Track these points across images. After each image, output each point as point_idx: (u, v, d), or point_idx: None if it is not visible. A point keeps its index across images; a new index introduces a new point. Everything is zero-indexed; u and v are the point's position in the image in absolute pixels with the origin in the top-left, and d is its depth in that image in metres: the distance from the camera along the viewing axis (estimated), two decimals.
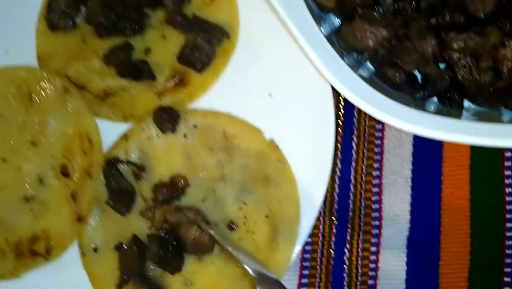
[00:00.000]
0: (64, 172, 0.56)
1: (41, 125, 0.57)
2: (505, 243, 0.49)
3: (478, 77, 0.47)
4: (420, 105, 0.48)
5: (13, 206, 0.56)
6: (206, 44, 0.55)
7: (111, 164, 0.55)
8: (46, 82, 0.57)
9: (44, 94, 0.57)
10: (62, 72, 0.58)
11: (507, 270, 0.49)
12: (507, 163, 0.51)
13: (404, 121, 0.44)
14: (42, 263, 0.54)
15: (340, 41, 0.49)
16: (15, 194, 0.56)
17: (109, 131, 0.56)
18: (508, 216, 0.50)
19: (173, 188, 0.53)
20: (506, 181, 0.51)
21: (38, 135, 0.57)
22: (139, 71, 0.57)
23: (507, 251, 0.49)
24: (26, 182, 0.56)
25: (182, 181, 0.53)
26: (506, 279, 0.49)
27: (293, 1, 0.48)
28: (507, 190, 0.50)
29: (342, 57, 0.48)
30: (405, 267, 0.51)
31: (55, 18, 0.58)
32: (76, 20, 0.59)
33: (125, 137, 0.56)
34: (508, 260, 0.49)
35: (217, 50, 0.56)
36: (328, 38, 0.49)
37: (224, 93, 0.56)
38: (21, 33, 0.59)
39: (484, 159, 0.51)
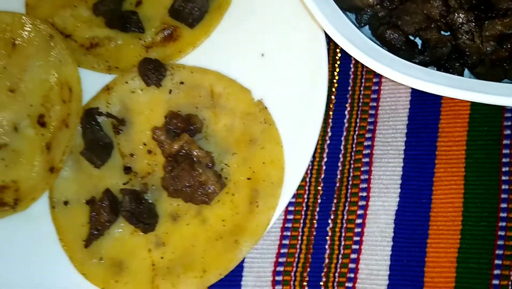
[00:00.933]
0: (41, 122, 0.54)
1: (21, 72, 0.56)
2: (498, 224, 0.47)
3: (480, 45, 0.45)
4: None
5: None
6: None
7: (90, 115, 0.53)
8: (31, 28, 0.56)
9: (27, 40, 0.56)
10: (49, 20, 0.57)
11: (499, 252, 0.46)
12: (505, 141, 0.48)
13: (404, 74, 0.42)
14: (9, 213, 0.52)
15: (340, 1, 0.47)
16: None
17: (92, 82, 0.55)
18: (503, 196, 0.47)
19: (186, 124, 0.50)
20: (504, 160, 0.48)
21: (17, 82, 0.56)
22: (127, 21, 0.55)
23: (499, 233, 0.46)
24: (0, 130, 0.54)
25: (197, 123, 0.50)
26: (497, 261, 0.46)
27: None
28: (503, 168, 0.48)
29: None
30: (391, 243, 0.48)
31: None
32: None
33: (107, 88, 0.54)
34: (500, 242, 0.46)
35: (211, 5, 0.54)
36: None
37: (214, 51, 0.54)
38: None
39: (481, 136, 0.49)
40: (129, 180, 0.51)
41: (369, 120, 0.51)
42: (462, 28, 0.45)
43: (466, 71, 0.47)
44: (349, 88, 0.53)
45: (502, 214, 0.47)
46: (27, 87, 0.55)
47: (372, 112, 0.52)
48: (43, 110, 0.54)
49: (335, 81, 0.53)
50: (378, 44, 0.47)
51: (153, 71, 0.52)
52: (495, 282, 0.45)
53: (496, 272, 0.46)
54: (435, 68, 0.47)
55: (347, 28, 0.44)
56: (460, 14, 0.44)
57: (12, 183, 0.53)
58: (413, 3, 0.47)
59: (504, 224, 0.47)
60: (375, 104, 0.52)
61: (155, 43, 0.55)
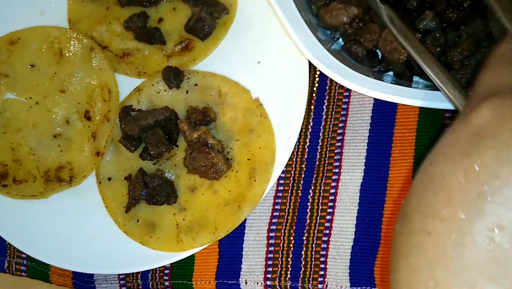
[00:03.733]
0: (87, 116, 0.67)
1: (69, 76, 0.68)
2: None
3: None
4: (378, 77, 0.59)
5: (44, 141, 0.67)
6: (209, 17, 0.66)
7: (125, 111, 0.66)
8: (75, 41, 0.68)
9: (73, 51, 0.68)
10: (89, 34, 0.68)
11: None
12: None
13: (363, 87, 0.56)
14: (66, 187, 0.66)
15: (319, 20, 0.60)
16: (46, 131, 0.68)
17: (125, 85, 0.67)
18: None
19: (203, 116, 0.63)
20: None
21: (66, 84, 0.68)
22: (152, 36, 0.67)
23: None
24: (55, 122, 0.68)
25: (212, 114, 0.63)
26: None
27: None
28: None
29: (316, 35, 0.59)
30: (357, 207, 0.62)
31: None
32: None
33: (137, 90, 0.67)
34: None
35: (218, 22, 0.67)
36: (306, 19, 0.60)
37: (221, 59, 0.66)
38: None
39: (428, 125, 0.62)
40: (157, 161, 0.65)
41: (341, 112, 0.64)
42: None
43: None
44: (327, 87, 0.66)
45: None
46: (75, 89, 0.67)
47: (344, 106, 0.64)
48: (88, 107, 0.67)
49: (315, 82, 0.66)
50: (346, 55, 0.61)
51: (174, 77, 0.65)
52: None
53: None
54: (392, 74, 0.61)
55: (319, 50, 0.57)
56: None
57: (67, 164, 0.66)
58: (374, 24, 0.60)
59: None
60: (346, 100, 0.64)
61: (174, 53, 0.67)
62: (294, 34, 0.57)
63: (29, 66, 0.69)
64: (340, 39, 0.63)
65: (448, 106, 0.53)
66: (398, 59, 0.58)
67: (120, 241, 0.63)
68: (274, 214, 0.63)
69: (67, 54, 0.68)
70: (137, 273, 0.66)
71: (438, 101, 0.55)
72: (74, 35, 0.68)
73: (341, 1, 0.59)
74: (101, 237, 0.65)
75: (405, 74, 0.60)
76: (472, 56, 0.55)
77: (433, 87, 0.57)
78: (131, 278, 0.66)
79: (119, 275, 0.67)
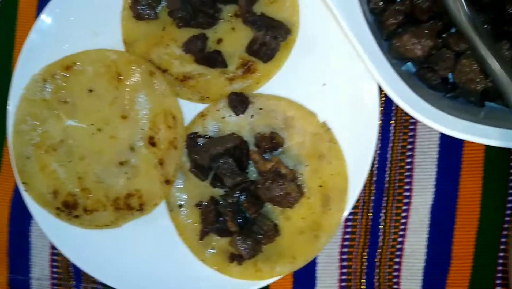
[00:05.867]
0: (152, 142, 0.67)
1: (130, 102, 0.67)
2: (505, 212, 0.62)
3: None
4: (450, 104, 0.59)
5: (110, 168, 0.67)
6: (273, 40, 0.64)
7: (192, 138, 0.66)
8: (134, 65, 0.67)
9: (132, 75, 0.67)
10: (146, 56, 0.67)
11: (504, 232, 0.62)
12: None
13: (434, 121, 0.55)
14: (137, 216, 0.66)
15: (392, 51, 0.59)
16: (111, 158, 0.67)
17: (187, 108, 0.66)
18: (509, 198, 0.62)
19: (272, 143, 0.63)
20: None
21: (128, 110, 0.67)
22: (214, 60, 0.66)
23: (506, 222, 0.62)
24: (120, 149, 0.67)
25: (280, 140, 0.63)
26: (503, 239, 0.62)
27: (353, 16, 0.57)
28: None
29: (387, 58, 0.58)
30: (427, 228, 0.64)
31: (140, 9, 0.67)
32: (157, 11, 0.68)
33: (202, 115, 0.66)
34: (505, 225, 0.62)
35: (276, 53, 0.65)
36: (377, 42, 0.59)
37: (285, 81, 0.65)
38: (107, 18, 0.67)
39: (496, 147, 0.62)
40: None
41: (409, 134, 0.65)
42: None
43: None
44: (393, 108, 0.66)
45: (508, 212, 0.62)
46: (137, 115, 0.66)
47: (412, 127, 0.65)
48: (152, 133, 0.66)
49: (382, 102, 0.66)
50: (418, 80, 0.61)
51: (239, 103, 0.64)
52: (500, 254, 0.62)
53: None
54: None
55: (394, 81, 0.56)
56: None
57: (135, 191, 0.66)
58: (448, 49, 0.59)
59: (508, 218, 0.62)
60: (414, 120, 0.65)
61: (236, 76, 0.66)
62: (366, 58, 0.56)
63: (87, 91, 0.68)
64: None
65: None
66: (475, 89, 0.57)
67: (195, 269, 0.65)
68: (346, 236, 0.65)
69: (126, 79, 0.67)
70: None
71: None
72: (133, 59, 0.67)
73: (414, 34, 0.58)
74: (175, 264, 0.66)
75: (479, 101, 0.59)
76: None
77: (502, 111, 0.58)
78: None
79: None
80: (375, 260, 0.64)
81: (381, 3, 0.60)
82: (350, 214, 0.65)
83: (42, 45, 0.68)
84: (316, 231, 0.62)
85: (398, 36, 0.58)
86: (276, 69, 0.66)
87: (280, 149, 0.65)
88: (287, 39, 0.65)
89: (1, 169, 0.72)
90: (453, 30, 0.60)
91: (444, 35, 0.59)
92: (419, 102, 0.56)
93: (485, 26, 0.55)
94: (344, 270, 0.65)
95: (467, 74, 0.57)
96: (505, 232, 0.62)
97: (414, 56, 0.58)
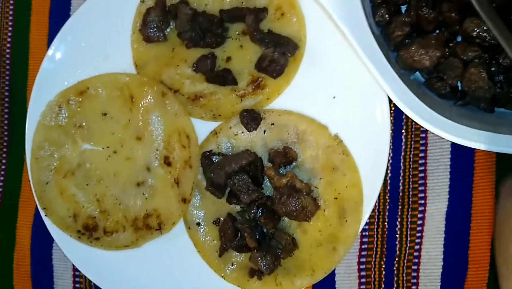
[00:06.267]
0: (167, 162, 0.68)
1: (144, 123, 0.68)
2: None
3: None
4: (460, 111, 0.60)
5: (128, 190, 0.69)
6: (281, 56, 0.65)
7: (206, 156, 0.67)
8: (146, 87, 0.68)
9: (144, 97, 0.68)
10: (157, 77, 0.68)
11: None
12: None
13: (444, 131, 0.56)
14: (157, 236, 0.67)
15: (399, 62, 0.60)
16: (128, 179, 0.69)
17: (199, 126, 0.67)
18: None
19: (286, 158, 0.64)
20: None
21: (142, 131, 0.68)
22: (224, 78, 0.67)
23: None
24: (136, 170, 0.68)
25: (293, 154, 0.64)
26: None
27: (359, 29, 0.58)
28: None
29: (395, 69, 0.59)
30: (443, 235, 0.64)
31: (149, 32, 0.68)
32: (166, 33, 0.69)
33: (215, 132, 0.67)
34: None
35: (285, 68, 0.65)
36: (385, 53, 0.60)
37: (295, 96, 0.66)
38: (117, 42, 0.69)
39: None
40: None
41: (421, 142, 0.66)
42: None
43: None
44: (403, 117, 0.66)
45: None
46: (151, 136, 0.68)
47: (423, 135, 0.66)
48: (167, 153, 0.68)
49: (391, 112, 0.66)
50: (427, 89, 0.62)
51: (251, 119, 0.65)
52: None
53: None
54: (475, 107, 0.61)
55: (403, 92, 0.57)
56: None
57: (154, 211, 0.68)
58: (455, 57, 0.60)
59: None
60: (424, 128, 0.65)
61: (247, 93, 0.67)
62: (374, 70, 0.57)
63: (102, 115, 0.69)
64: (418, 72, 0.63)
65: None
66: (484, 96, 0.58)
67: (216, 285, 0.66)
68: (363, 246, 0.66)
69: (139, 101, 0.68)
70: None
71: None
72: (145, 81, 0.68)
73: (421, 45, 0.58)
74: (196, 281, 0.67)
75: (489, 108, 0.60)
76: None
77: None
78: None
79: None
80: (393, 268, 0.65)
81: (386, 15, 0.60)
82: (366, 224, 0.66)
83: (55, 72, 0.69)
84: (333, 243, 0.63)
85: (405, 47, 0.59)
86: (286, 84, 0.67)
87: (294, 163, 0.65)
88: (295, 54, 0.66)
89: (21, 195, 0.73)
90: (459, 39, 0.60)
91: (451, 44, 0.60)
92: (428, 111, 0.57)
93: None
94: (363, 280, 0.65)
95: (476, 82, 0.57)
96: None
97: (423, 66, 0.58)
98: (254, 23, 0.65)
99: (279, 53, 0.65)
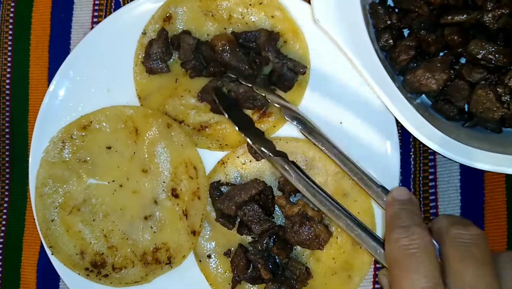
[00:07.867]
0: (174, 194, 0.67)
1: (149, 155, 0.67)
2: None
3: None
4: (468, 134, 0.60)
5: (135, 224, 0.67)
6: (289, 71, 0.65)
7: (214, 187, 0.67)
8: (151, 119, 0.67)
9: (150, 129, 0.67)
10: (161, 109, 0.68)
11: None
12: None
13: (454, 153, 0.56)
14: (167, 270, 0.66)
15: (405, 86, 0.60)
16: (135, 213, 0.68)
17: (206, 156, 0.67)
18: None
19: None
20: None
21: (148, 163, 0.67)
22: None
23: None
24: (143, 203, 0.67)
25: None
26: None
27: (365, 55, 0.58)
28: None
29: (403, 93, 0.59)
30: None
31: (152, 64, 0.68)
32: (169, 64, 0.69)
33: (222, 162, 0.67)
34: None
35: (295, 83, 0.66)
36: (391, 76, 0.60)
37: None
38: (120, 75, 0.68)
39: None
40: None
41: (429, 164, 0.65)
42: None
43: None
44: (411, 139, 0.67)
45: None
46: (157, 168, 0.67)
47: (431, 157, 0.66)
48: (174, 185, 0.67)
49: (398, 134, 0.66)
50: (435, 112, 0.62)
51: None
52: None
53: None
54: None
55: (415, 118, 0.57)
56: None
57: (162, 245, 0.67)
58: (461, 80, 0.60)
59: None
60: (432, 150, 0.66)
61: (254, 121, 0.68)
62: (382, 93, 0.57)
63: (106, 148, 0.68)
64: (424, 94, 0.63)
65: None
66: (492, 118, 0.58)
67: None
68: (377, 265, 0.65)
69: (143, 133, 0.67)
70: None
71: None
72: (150, 113, 0.67)
73: (427, 69, 0.59)
74: None
75: (497, 128, 0.60)
76: None
77: None
78: None
79: None
80: None
81: (390, 40, 0.61)
82: None
83: (57, 107, 0.68)
84: (348, 271, 0.62)
85: (411, 71, 0.59)
86: None
87: None
88: (299, 79, 0.66)
89: (25, 233, 0.72)
90: (462, 60, 0.61)
91: (455, 66, 0.60)
92: (437, 134, 0.57)
93: None
94: None
95: (484, 103, 0.57)
96: None
97: (430, 89, 0.58)
98: (267, 43, 0.65)
99: (287, 68, 0.65)
